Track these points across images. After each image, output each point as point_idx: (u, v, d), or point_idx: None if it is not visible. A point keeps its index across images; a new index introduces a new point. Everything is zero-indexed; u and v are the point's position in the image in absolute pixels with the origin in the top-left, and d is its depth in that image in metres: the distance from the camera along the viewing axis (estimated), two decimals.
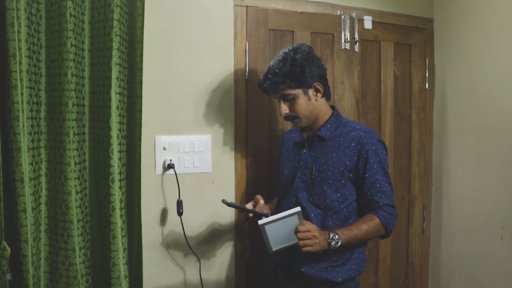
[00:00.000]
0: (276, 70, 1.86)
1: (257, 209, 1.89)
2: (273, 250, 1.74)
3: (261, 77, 1.94)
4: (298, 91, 1.87)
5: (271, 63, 1.92)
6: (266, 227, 1.69)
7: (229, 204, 1.87)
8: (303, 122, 1.93)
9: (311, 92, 1.90)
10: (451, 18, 2.66)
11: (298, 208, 1.70)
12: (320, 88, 1.90)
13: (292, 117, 1.92)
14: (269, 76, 1.88)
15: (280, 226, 1.70)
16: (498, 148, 2.33)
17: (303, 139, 2.02)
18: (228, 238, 2.36)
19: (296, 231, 1.69)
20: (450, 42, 2.67)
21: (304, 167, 1.94)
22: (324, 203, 1.88)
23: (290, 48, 1.92)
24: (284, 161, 2.09)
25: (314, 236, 1.69)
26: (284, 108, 1.91)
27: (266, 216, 1.77)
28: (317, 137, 1.94)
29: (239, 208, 1.93)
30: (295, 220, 1.70)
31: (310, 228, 1.71)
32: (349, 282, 1.90)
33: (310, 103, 1.90)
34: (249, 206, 1.93)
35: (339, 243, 1.73)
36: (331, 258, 1.86)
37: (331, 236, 1.73)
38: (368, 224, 1.82)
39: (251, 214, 1.89)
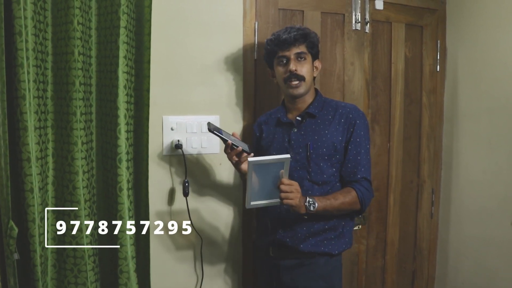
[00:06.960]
0: (299, 29, 1.94)
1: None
2: (251, 203, 1.70)
3: (272, 34, 1.99)
4: (309, 56, 1.96)
5: (285, 28, 1.97)
6: (255, 167, 1.64)
7: (213, 129, 1.83)
8: (303, 88, 1.95)
9: (315, 64, 2.00)
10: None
11: (287, 155, 1.69)
12: (318, 67, 2.02)
13: (299, 76, 1.93)
14: (291, 30, 1.93)
15: (266, 172, 1.67)
16: (511, 131, 2.29)
17: (290, 120, 2.02)
18: (235, 219, 2.35)
19: (281, 182, 1.69)
20: (462, 24, 2.61)
21: (297, 147, 1.96)
22: (322, 179, 1.93)
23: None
24: (269, 144, 2.07)
25: (297, 190, 1.73)
26: (294, 65, 1.93)
27: (248, 151, 1.84)
28: (307, 114, 1.98)
29: (221, 135, 1.84)
30: (280, 168, 1.68)
31: (294, 183, 1.74)
32: (340, 254, 2.02)
33: (312, 73, 1.99)
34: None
35: (315, 208, 1.78)
36: (325, 232, 1.93)
37: (308, 199, 1.78)
38: (345, 196, 1.88)
39: (230, 142, 1.83)
